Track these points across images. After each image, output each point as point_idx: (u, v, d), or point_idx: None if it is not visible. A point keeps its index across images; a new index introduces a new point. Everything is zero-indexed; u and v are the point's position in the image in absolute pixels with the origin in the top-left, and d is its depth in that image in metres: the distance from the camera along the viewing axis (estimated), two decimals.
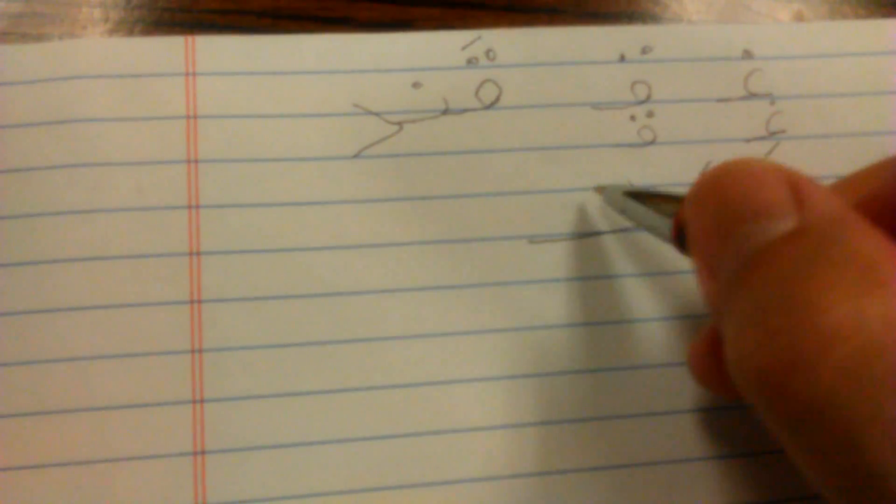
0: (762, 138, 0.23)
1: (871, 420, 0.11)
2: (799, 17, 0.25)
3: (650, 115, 0.23)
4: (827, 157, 0.23)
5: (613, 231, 0.22)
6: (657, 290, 0.21)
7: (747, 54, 0.23)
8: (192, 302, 0.20)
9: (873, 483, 0.11)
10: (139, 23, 0.23)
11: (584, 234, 0.22)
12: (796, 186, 0.14)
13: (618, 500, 0.20)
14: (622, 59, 0.23)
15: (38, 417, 0.19)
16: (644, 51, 0.23)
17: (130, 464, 0.19)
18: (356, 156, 0.22)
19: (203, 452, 0.19)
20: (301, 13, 0.23)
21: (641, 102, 0.23)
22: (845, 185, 0.17)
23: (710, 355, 0.18)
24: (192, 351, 0.20)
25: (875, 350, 0.11)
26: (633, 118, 0.23)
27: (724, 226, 0.14)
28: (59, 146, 0.21)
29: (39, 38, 0.22)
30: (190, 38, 0.22)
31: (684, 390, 0.21)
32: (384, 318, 0.21)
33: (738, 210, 0.14)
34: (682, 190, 0.18)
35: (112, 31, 0.23)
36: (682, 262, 0.21)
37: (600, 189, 0.22)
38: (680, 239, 0.17)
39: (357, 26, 0.23)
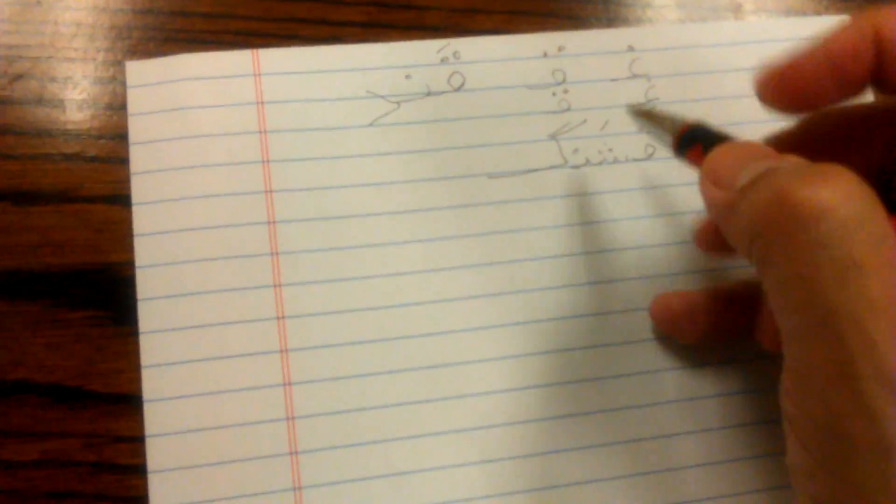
0: (643, 104, 0.34)
1: None
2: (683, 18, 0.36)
3: (566, 91, 0.34)
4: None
5: (552, 168, 0.33)
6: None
7: (630, 48, 0.35)
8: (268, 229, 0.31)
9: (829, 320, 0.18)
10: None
11: (530, 171, 0.33)
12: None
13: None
14: (545, 55, 0.34)
15: None
16: (560, 49, 0.34)
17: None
18: (370, 125, 0.32)
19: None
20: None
21: (559, 83, 0.34)
22: (775, 137, 0.28)
23: (711, 230, 0.28)
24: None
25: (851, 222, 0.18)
26: (554, 94, 0.34)
27: (742, 160, 0.22)
28: (173, 125, 0.31)
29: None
30: (255, 52, 0.32)
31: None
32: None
33: (754, 153, 0.22)
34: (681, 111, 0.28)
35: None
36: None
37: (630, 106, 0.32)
38: (678, 149, 0.27)
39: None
